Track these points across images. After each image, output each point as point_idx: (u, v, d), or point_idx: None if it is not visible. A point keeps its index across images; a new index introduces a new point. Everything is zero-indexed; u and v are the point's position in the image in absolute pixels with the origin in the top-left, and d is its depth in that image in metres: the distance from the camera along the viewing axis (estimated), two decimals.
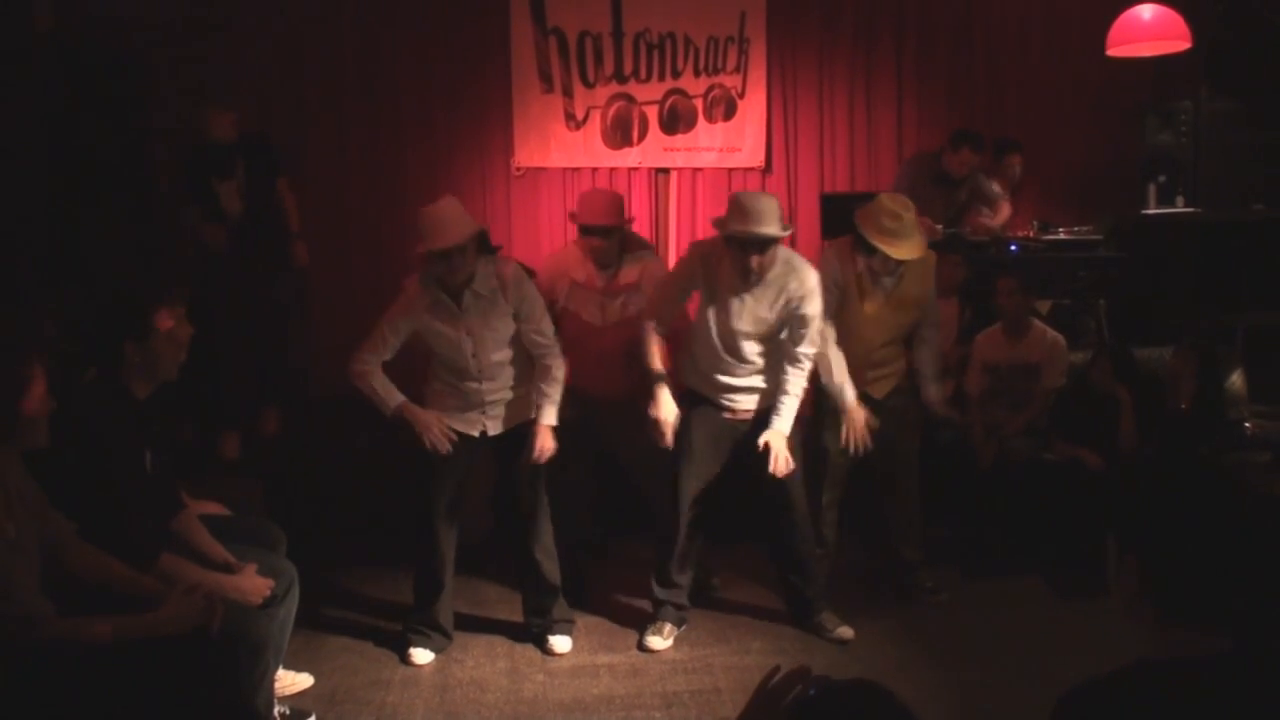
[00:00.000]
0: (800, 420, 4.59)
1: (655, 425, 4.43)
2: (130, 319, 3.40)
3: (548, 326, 4.46)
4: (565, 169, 7.06)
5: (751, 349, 4.48)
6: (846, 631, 4.65)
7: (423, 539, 4.53)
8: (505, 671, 4.46)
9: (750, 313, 4.42)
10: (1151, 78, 7.21)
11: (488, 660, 4.56)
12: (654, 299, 4.65)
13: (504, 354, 4.41)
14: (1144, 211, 6.82)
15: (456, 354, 4.37)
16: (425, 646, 4.56)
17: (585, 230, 4.82)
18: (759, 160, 7.21)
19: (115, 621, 2.95)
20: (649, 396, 4.47)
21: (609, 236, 4.80)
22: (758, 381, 4.55)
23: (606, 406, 4.87)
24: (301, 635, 4.33)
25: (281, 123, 6.71)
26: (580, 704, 4.16)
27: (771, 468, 4.40)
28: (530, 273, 4.73)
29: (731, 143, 7.19)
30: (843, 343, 4.71)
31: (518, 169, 7.03)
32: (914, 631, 4.74)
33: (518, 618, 4.84)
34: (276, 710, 3.81)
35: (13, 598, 2.77)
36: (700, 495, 4.62)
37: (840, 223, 5.85)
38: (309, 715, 4.00)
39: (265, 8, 6.71)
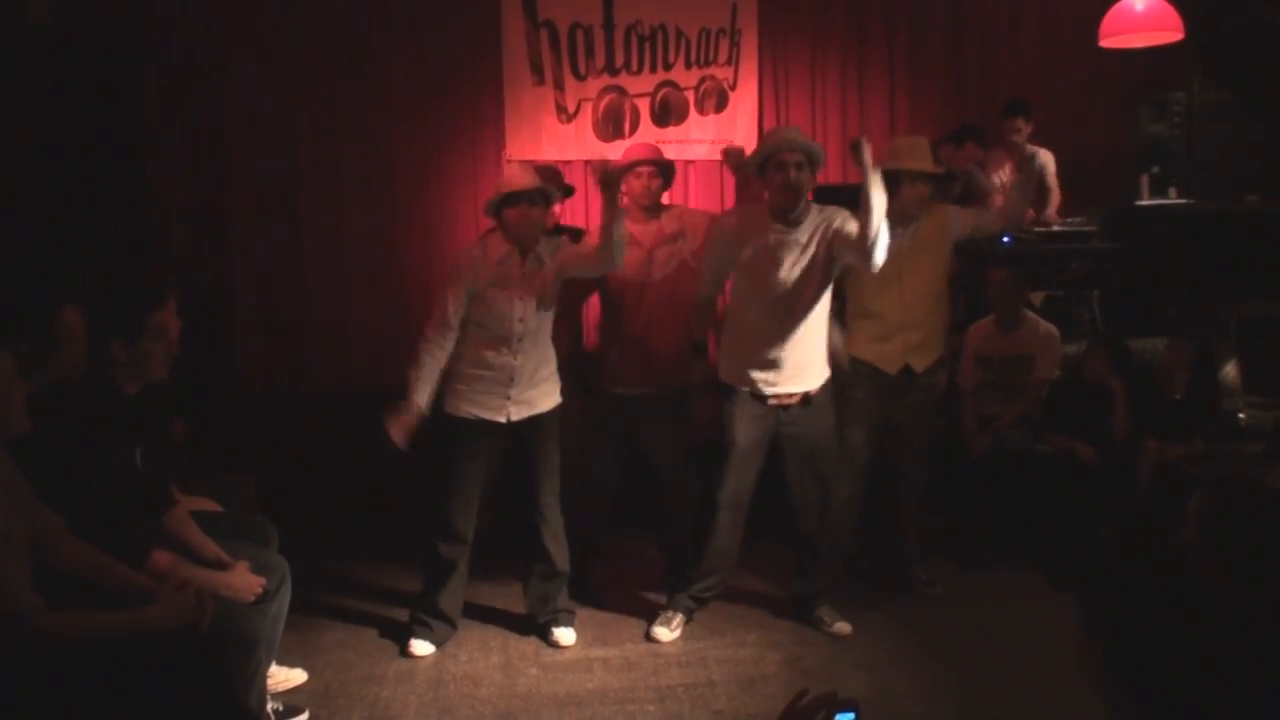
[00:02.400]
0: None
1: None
2: (120, 318, 3.39)
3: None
4: (557, 162, 7.04)
5: (802, 304, 4.44)
6: (844, 627, 4.65)
7: (440, 521, 4.53)
8: (499, 666, 4.45)
9: (792, 257, 4.40)
10: (1144, 69, 7.20)
11: (482, 655, 4.55)
12: (699, 274, 4.68)
13: (543, 328, 4.50)
14: (1137, 203, 6.82)
15: (504, 320, 4.41)
16: (426, 639, 4.56)
17: (634, 167, 4.81)
18: (750, 152, 7.19)
19: (106, 617, 2.94)
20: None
21: (663, 174, 4.87)
22: (804, 354, 4.50)
23: (632, 400, 4.86)
24: (294, 631, 4.32)
25: (273, 116, 6.70)
26: (575, 698, 4.16)
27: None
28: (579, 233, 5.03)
29: (723, 135, 7.16)
30: (877, 304, 4.78)
31: (509, 162, 7.01)
32: (908, 624, 4.74)
33: (512, 611, 4.84)
34: (269, 706, 3.80)
35: (2, 591, 2.75)
36: (735, 499, 4.62)
37: None
38: (302, 711, 3.99)
39: (259, 3, 6.68)
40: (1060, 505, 5.40)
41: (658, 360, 4.82)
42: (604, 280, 4.84)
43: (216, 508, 4.05)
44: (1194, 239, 6.49)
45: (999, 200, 6.66)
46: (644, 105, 7.09)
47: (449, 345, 4.44)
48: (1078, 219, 6.73)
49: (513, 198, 4.35)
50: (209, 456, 5.47)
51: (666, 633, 4.63)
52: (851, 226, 4.32)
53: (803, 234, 4.41)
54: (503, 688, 4.26)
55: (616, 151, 7.05)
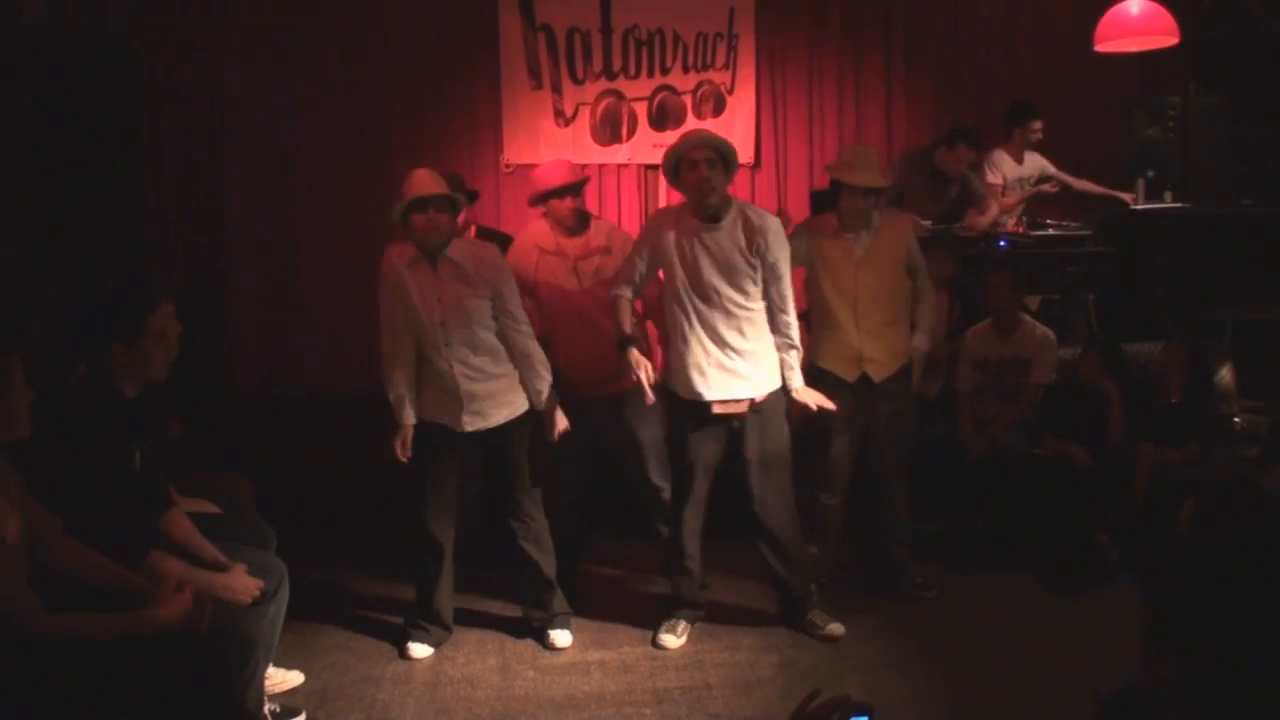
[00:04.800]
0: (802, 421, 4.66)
1: (635, 384, 4.41)
2: (120, 320, 3.40)
3: (520, 309, 4.48)
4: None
5: (732, 309, 4.44)
6: (837, 628, 4.65)
7: (418, 534, 4.57)
8: (496, 668, 4.46)
9: (714, 258, 4.40)
10: (1139, 73, 7.22)
11: (479, 657, 4.56)
12: (620, 268, 4.66)
13: (474, 336, 4.39)
14: (1132, 206, 6.83)
15: (428, 325, 4.36)
16: (424, 641, 4.58)
17: (550, 195, 4.87)
18: (748, 156, 7.20)
19: (104, 619, 2.94)
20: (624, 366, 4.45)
21: (575, 194, 4.91)
22: (747, 360, 4.48)
23: (597, 403, 4.87)
24: (292, 633, 4.32)
25: (270, 118, 6.71)
26: (571, 701, 4.16)
27: (815, 407, 4.52)
28: (507, 241, 5.04)
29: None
30: (833, 315, 4.78)
31: (507, 166, 7.02)
32: (903, 628, 4.74)
33: (509, 614, 4.85)
34: (267, 708, 3.81)
35: None
36: (697, 512, 4.67)
37: None
38: (299, 713, 4.00)
39: (254, 3, 6.69)
40: (1056, 509, 5.41)
41: (601, 365, 4.80)
42: (535, 290, 4.89)
43: (214, 510, 4.06)
44: (1189, 243, 6.51)
45: (993, 206, 6.69)
46: (641, 109, 7.10)
47: (404, 359, 4.44)
48: (1073, 223, 6.76)
49: (419, 203, 4.27)
50: (207, 458, 5.48)
51: (674, 639, 4.63)
52: (779, 257, 4.44)
53: (724, 238, 4.41)
54: (500, 690, 4.26)
55: (614, 155, 7.10)
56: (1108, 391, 5.53)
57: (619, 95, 7.07)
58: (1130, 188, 6.89)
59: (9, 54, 5.36)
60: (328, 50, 6.78)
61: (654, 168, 7.16)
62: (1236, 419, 5.90)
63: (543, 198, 4.91)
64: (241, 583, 3.47)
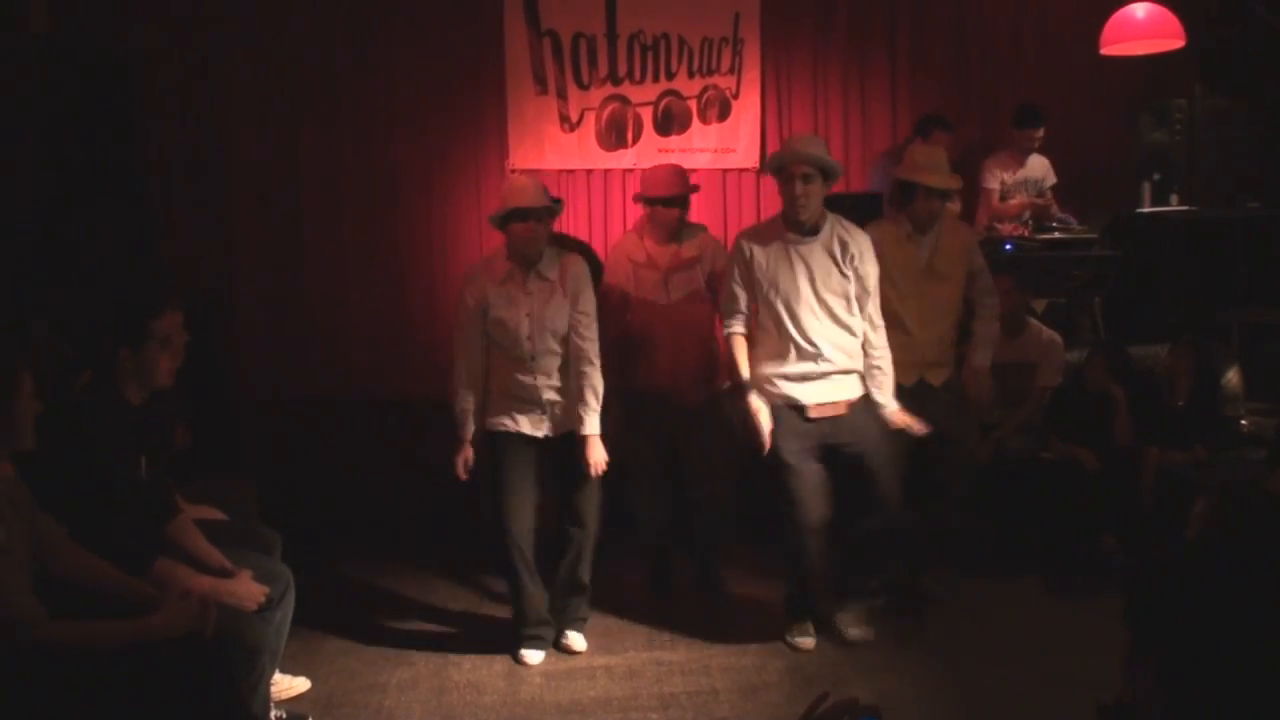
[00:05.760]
0: None
1: (752, 434, 4.44)
2: (126, 326, 3.40)
3: (593, 323, 4.51)
4: (560, 171, 7.05)
5: (829, 320, 4.45)
6: (863, 633, 4.65)
7: (498, 535, 4.52)
8: (502, 674, 4.46)
9: (810, 269, 4.42)
10: (1145, 76, 7.21)
11: (485, 663, 4.56)
12: (721, 297, 4.68)
13: (557, 348, 4.46)
14: (1139, 209, 6.82)
15: (514, 339, 4.41)
16: (538, 647, 4.59)
17: (653, 201, 4.93)
18: (753, 161, 7.20)
19: (109, 626, 2.94)
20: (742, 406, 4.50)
21: (679, 205, 4.95)
22: (840, 368, 4.49)
23: (680, 410, 4.93)
24: (298, 639, 4.33)
25: (275, 125, 6.72)
26: (578, 706, 4.16)
27: (917, 431, 4.51)
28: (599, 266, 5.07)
29: (726, 144, 7.18)
30: (897, 317, 4.75)
31: (512, 171, 7.03)
32: (909, 631, 4.74)
33: None
34: (273, 714, 3.82)
35: (3, 600, 2.76)
36: (819, 517, 4.53)
37: None
38: (305, 719, 4.00)
39: (259, 9, 6.71)
40: (1063, 512, 5.40)
41: (684, 374, 4.92)
42: (625, 302, 4.96)
43: (220, 516, 4.06)
44: (1195, 245, 6.51)
45: (981, 213, 6.70)
46: (647, 114, 7.10)
47: (476, 373, 4.49)
48: (1079, 226, 6.75)
49: (521, 213, 4.35)
50: (213, 465, 5.49)
51: (808, 639, 4.63)
52: (869, 270, 4.47)
53: (820, 251, 4.44)
54: (506, 695, 4.26)
55: (619, 160, 7.09)
56: (1114, 395, 5.51)
57: (624, 100, 7.07)
58: (1137, 191, 6.88)
59: (15, 62, 5.39)
60: (332, 56, 6.79)
61: None
62: (1243, 421, 5.89)
63: (649, 203, 4.96)
64: (247, 589, 3.47)
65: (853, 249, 4.45)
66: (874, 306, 4.52)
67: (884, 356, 4.53)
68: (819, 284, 4.42)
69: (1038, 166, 6.88)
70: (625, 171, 7.13)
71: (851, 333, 4.49)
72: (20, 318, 4.70)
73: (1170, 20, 6.17)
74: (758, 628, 4.79)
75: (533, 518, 4.54)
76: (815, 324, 4.43)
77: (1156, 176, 6.86)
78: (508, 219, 4.38)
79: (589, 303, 4.50)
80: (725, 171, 7.23)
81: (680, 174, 5.08)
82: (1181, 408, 5.58)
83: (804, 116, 7.30)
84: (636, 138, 7.10)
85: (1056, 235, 6.61)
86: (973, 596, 5.08)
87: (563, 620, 4.68)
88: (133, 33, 6.42)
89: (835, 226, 4.49)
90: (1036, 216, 6.74)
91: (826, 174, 4.40)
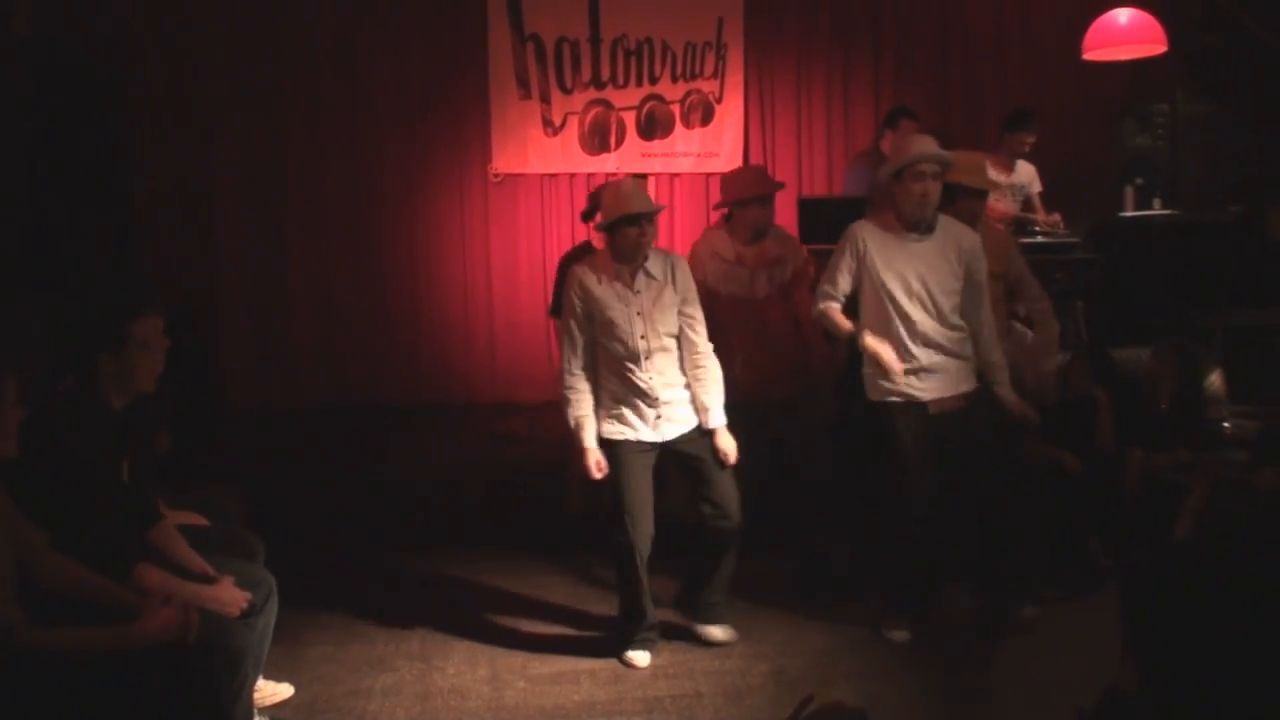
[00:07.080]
0: None
1: (881, 364, 4.46)
2: (106, 330, 3.38)
3: (701, 312, 4.54)
4: (543, 175, 7.06)
5: (947, 306, 4.49)
6: (901, 635, 4.66)
7: (619, 542, 4.47)
8: (486, 679, 4.44)
9: (928, 266, 4.47)
10: (1128, 82, 7.25)
11: (469, 668, 4.54)
12: (821, 279, 4.69)
13: (669, 345, 4.47)
14: (1122, 214, 6.85)
15: (627, 339, 4.39)
16: (647, 649, 4.55)
17: (745, 203, 4.95)
18: (736, 165, 7.21)
19: (91, 633, 2.93)
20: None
21: (766, 203, 4.97)
22: (957, 354, 4.52)
23: (774, 405, 4.95)
24: (281, 645, 4.30)
25: (260, 130, 6.70)
26: (562, 710, 4.15)
27: (1033, 420, 4.65)
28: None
29: (709, 147, 7.19)
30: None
31: (495, 175, 7.03)
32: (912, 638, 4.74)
33: (500, 624, 4.83)
34: None
35: None
36: (924, 506, 4.55)
37: (817, 226, 5.88)
38: None
39: (244, 14, 6.69)
40: (1046, 516, 5.40)
41: (776, 368, 4.96)
42: (713, 299, 4.90)
43: (203, 522, 4.03)
44: (1178, 249, 6.53)
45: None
46: (630, 118, 7.11)
47: (587, 378, 4.47)
48: (1062, 230, 6.77)
49: (634, 218, 4.34)
50: (195, 471, 5.47)
51: (903, 634, 4.64)
52: (980, 273, 4.54)
53: (934, 246, 4.49)
54: (490, 701, 4.25)
55: (602, 164, 7.09)
56: (1097, 398, 5.53)
57: (607, 104, 7.08)
58: (1120, 195, 6.91)
59: None
60: (317, 60, 6.79)
61: (642, 176, 7.17)
62: (1226, 424, 5.92)
63: (734, 205, 4.99)
64: (230, 595, 3.45)
65: (966, 250, 4.52)
66: (986, 305, 4.58)
67: (995, 350, 4.59)
68: (930, 282, 4.47)
69: (1024, 172, 6.89)
70: (608, 175, 7.13)
71: (960, 330, 4.53)
72: (2, 323, 4.67)
73: (1153, 26, 6.20)
74: (741, 632, 4.78)
75: (652, 524, 4.51)
76: (929, 319, 4.48)
77: (1139, 181, 6.90)
78: (617, 224, 4.38)
79: (697, 303, 4.54)
80: (708, 175, 7.24)
81: (763, 172, 5.18)
82: (1164, 410, 5.59)
83: (787, 121, 7.33)
84: (619, 142, 7.11)
85: (1039, 239, 6.63)
86: (957, 600, 5.08)
87: (709, 614, 4.67)
88: (116, 36, 6.40)
89: (947, 224, 4.56)
90: (1017, 220, 6.76)
91: (947, 171, 4.49)
